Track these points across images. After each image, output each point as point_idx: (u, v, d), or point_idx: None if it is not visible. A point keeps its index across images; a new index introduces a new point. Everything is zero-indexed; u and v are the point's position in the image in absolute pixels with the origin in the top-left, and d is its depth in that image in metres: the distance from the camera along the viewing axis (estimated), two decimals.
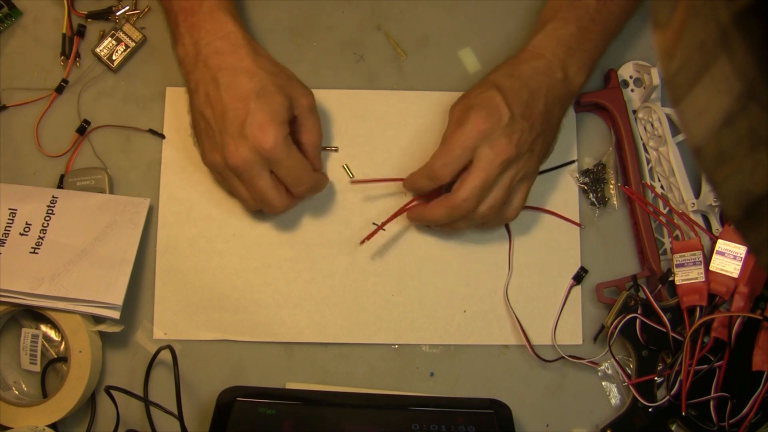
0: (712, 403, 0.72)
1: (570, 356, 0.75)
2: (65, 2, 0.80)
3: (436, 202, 0.71)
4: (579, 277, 0.78)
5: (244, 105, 0.66)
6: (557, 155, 0.80)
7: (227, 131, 0.67)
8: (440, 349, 0.77)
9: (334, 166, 0.79)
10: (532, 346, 0.76)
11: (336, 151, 0.79)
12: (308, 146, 0.73)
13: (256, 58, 0.69)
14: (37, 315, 0.74)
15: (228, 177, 0.71)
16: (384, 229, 0.77)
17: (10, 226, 0.74)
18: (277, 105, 0.67)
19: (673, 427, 0.74)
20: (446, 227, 0.74)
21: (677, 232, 0.76)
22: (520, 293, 0.78)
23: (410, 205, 0.76)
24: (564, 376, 0.77)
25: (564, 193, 0.79)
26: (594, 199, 0.79)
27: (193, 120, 0.73)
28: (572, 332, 0.77)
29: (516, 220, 0.78)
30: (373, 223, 0.78)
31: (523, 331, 0.76)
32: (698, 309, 0.73)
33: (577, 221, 0.79)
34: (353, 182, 0.78)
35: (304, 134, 0.72)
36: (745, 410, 0.71)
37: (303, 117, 0.71)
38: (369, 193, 0.79)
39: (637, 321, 0.73)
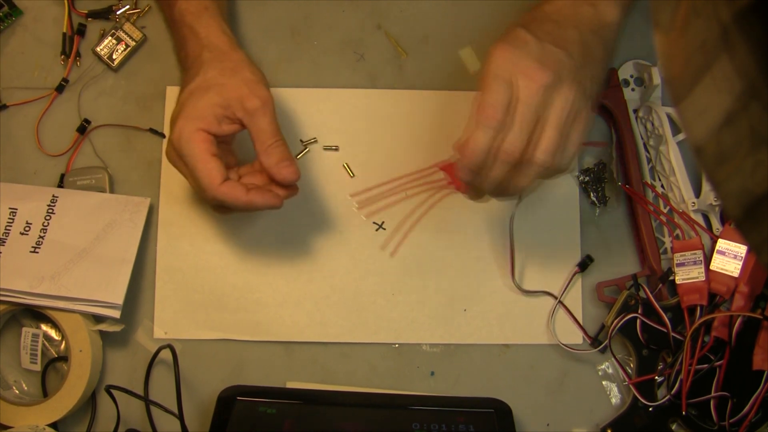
0: (712, 403, 0.72)
1: (567, 346, 0.75)
2: (65, 1, 0.80)
3: (516, 169, 0.61)
4: (584, 265, 0.77)
5: (181, 101, 0.68)
6: None
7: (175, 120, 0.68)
8: (440, 349, 0.77)
9: (334, 165, 0.79)
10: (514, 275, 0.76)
11: (336, 150, 0.79)
12: (260, 154, 0.67)
13: (211, 62, 0.69)
14: (37, 314, 0.74)
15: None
16: (384, 228, 0.77)
17: (11, 226, 0.74)
18: (203, 102, 0.67)
19: (674, 427, 0.74)
20: (512, 191, 0.64)
21: (678, 231, 0.76)
22: (520, 292, 0.77)
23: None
24: (564, 376, 0.77)
25: (564, 192, 0.79)
26: (595, 198, 0.79)
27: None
28: (572, 331, 0.77)
29: (517, 219, 0.78)
30: (374, 223, 0.78)
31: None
32: (699, 308, 0.73)
33: (577, 221, 0.79)
34: (352, 195, 0.78)
35: (254, 140, 0.68)
36: (746, 409, 0.71)
37: (247, 121, 0.67)
38: (369, 193, 0.79)
39: (638, 321, 0.73)
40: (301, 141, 0.79)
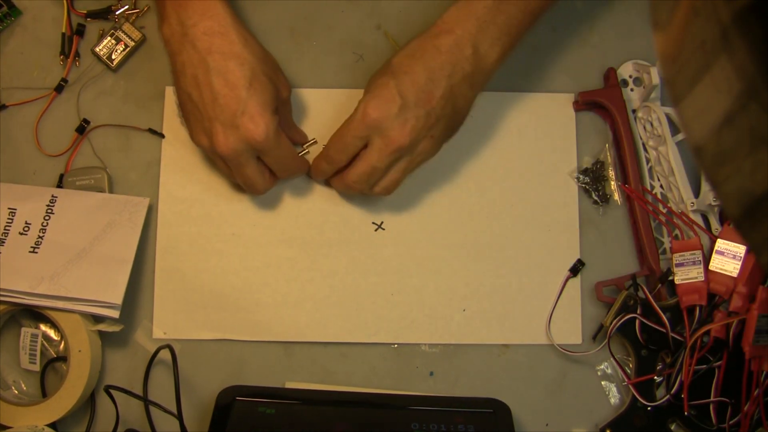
0: (711, 404, 0.72)
1: (565, 349, 0.75)
2: (65, 1, 0.80)
3: (336, 177, 0.74)
4: (575, 270, 0.78)
5: (235, 93, 0.65)
6: (556, 155, 0.80)
7: (217, 119, 0.66)
8: (440, 349, 0.77)
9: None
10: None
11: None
12: (284, 126, 0.73)
13: (246, 42, 0.67)
14: (36, 314, 0.74)
15: (214, 158, 0.71)
16: (383, 228, 0.77)
17: (10, 226, 0.74)
18: (268, 94, 0.67)
19: (673, 427, 0.74)
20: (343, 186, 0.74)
21: (677, 231, 0.76)
22: (520, 292, 0.78)
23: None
24: (563, 376, 0.77)
25: (563, 192, 0.79)
26: (596, 198, 0.79)
27: (179, 100, 0.71)
28: (571, 331, 0.77)
29: (516, 219, 0.78)
30: (373, 223, 0.78)
31: None
32: (698, 308, 0.73)
33: (576, 221, 0.79)
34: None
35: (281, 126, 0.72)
36: (744, 410, 0.71)
37: (281, 107, 0.72)
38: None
39: (637, 321, 0.73)
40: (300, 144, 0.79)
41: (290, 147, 0.71)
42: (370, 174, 0.69)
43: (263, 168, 0.71)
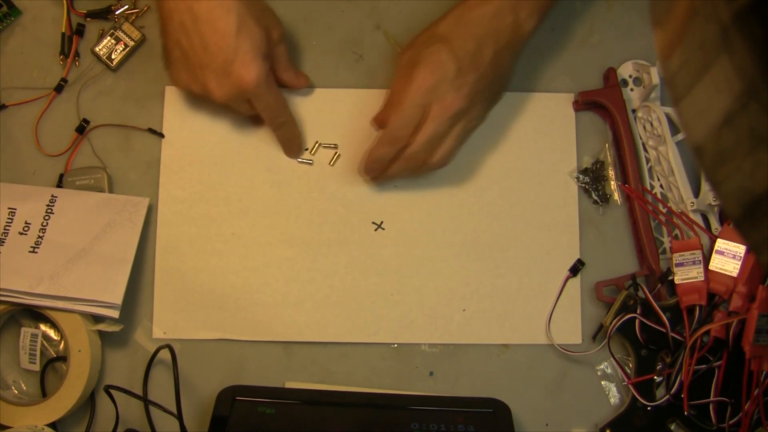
0: (711, 404, 0.72)
1: (565, 349, 0.75)
2: (64, 1, 0.80)
3: (396, 161, 0.73)
4: (575, 269, 0.78)
5: (225, 41, 0.66)
6: (556, 155, 0.80)
7: (209, 66, 0.67)
8: (440, 349, 0.77)
9: (334, 166, 0.79)
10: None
11: (335, 148, 0.79)
12: (281, 77, 0.75)
13: None
14: (36, 314, 0.74)
15: (204, 100, 0.72)
16: (383, 228, 0.77)
17: (10, 226, 0.74)
18: (258, 39, 0.68)
19: (672, 427, 0.74)
20: (388, 176, 0.75)
21: (676, 231, 0.76)
22: (520, 292, 0.78)
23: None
24: (563, 376, 0.77)
25: (563, 192, 0.79)
26: (596, 198, 0.79)
27: (165, 46, 0.72)
28: (571, 331, 0.77)
29: (516, 219, 0.78)
30: (373, 223, 0.78)
31: None
32: (698, 308, 0.73)
33: (576, 221, 0.79)
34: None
35: (276, 68, 0.74)
36: (744, 410, 0.71)
37: (274, 49, 0.72)
38: (369, 192, 0.79)
39: (636, 321, 0.73)
40: (299, 160, 0.79)
41: (279, 94, 0.73)
42: (432, 141, 0.70)
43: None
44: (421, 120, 0.69)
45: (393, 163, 0.73)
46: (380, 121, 0.74)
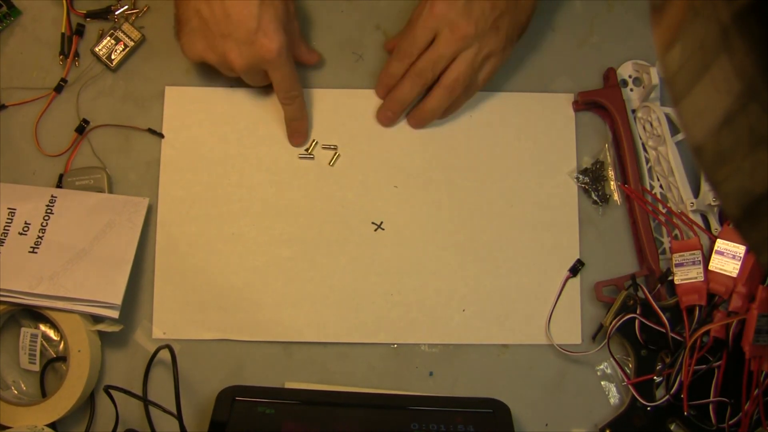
0: (711, 404, 0.72)
1: (565, 349, 0.75)
2: (64, 2, 0.80)
3: (400, 83, 0.76)
4: (575, 270, 0.78)
5: (248, 9, 0.67)
6: (556, 155, 0.80)
7: (231, 35, 0.68)
8: (439, 349, 0.77)
9: (333, 166, 0.79)
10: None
11: (335, 149, 0.79)
12: (295, 52, 0.75)
13: None
14: (36, 314, 0.74)
15: (219, 69, 0.73)
16: (383, 228, 0.77)
17: (9, 226, 0.74)
18: (280, 10, 0.69)
19: (672, 427, 0.74)
20: (423, 112, 0.77)
21: (676, 231, 0.76)
22: (519, 293, 0.78)
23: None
24: (563, 376, 0.77)
25: (563, 192, 0.79)
26: (596, 198, 0.79)
27: (182, 15, 0.72)
28: (571, 331, 0.77)
29: (516, 219, 0.78)
30: (373, 223, 0.78)
31: None
32: (697, 308, 0.73)
33: (576, 222, 0.79)
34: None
35: (291, 42, 0.74)
36: (744, 410, 0.71)
37: (290, 23, 0.73)
38: (369, 192, 0.79)
39: (636, 321, 0.73)
40: (300, 156, 0.79)
41: (295, 69, 0.73)
42: (436, 61, 0.72)
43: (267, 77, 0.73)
44: (432, 44, 0.72)
45: (403, 83, 0.75)
46: (393, 46, 0.78)
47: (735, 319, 0.72)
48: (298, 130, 0.78)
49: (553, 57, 0.82)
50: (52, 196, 0.76)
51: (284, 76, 0.72)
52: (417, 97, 0.77)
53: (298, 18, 0.75)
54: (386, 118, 0.79)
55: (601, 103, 0.79)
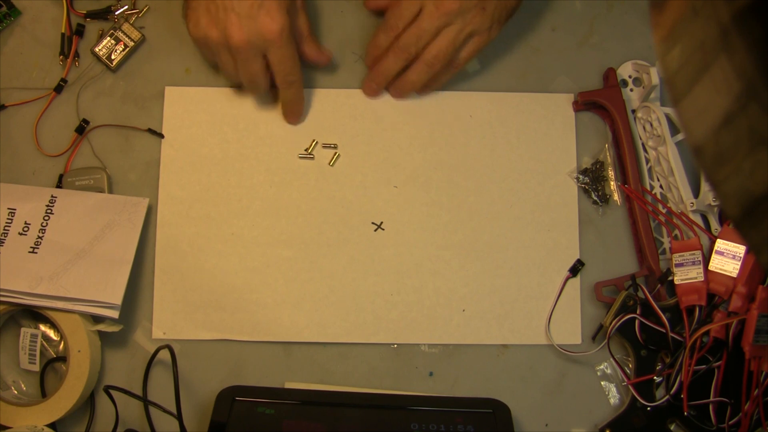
0: (711, 404, 0.72)
1: (565, 349, 0.75)
2: (64, 2, 0.80)
3: (386, 55, 0.76)
4: (575, 270, 0.78)
5: None
6: (556, 155, 0.80)
7: (233, 9, 0.68)
8: (439, 349, 0.77)
9: (333, 166, 0.79)
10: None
11: (335, 148, 0.79)
12: (303, 50, 0.76)
13: None
14: (36, 314, 0.74)
15: (219, 52, 0.72)
16: (383, 228, 0.77)
17: (9, 226, 0.74)
18: None
19: (672, 427, 0.74)
20: (403, 84, 0.78)
21: (676, 231, 0.76)
22: (519, 293, 0.78)
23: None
24: (563, 376, 0.77)
25: (563, 193, 0.79)
26: (596, 198, 0.79)
27: None
28: (571, 331, 0.77)
29: (516, 220, 0.78)
30: (373, 223, 0.78)
31: None
32: (697, 309, 0.73)
33: (576, 222, 0.79)
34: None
35: (299, 40, 0.75)
36: (744, 410, 0.71)
37: (296, 17, 0.73)
38: (369, 193, 0.79)
39: (636, 321, 0.73)
40: (300, 156, 0.79)
41: (296, 53, 0.73)
42: (420, 35, 0.73)
43: (267, 68, 0.73)
44: (416, 17, 0.73)
45: (388, 56, 0.76)
46: (375, 6, 0.81)
47: (735, 319, 0.72)
48: (293, 111, 0.79)
49: (553, 57, 0.82)
50: (52, 196, 0.76)
51: (283, 58, 0.72)
52: (400, 69, 0.77)
53: (307, 13, 0.75)
54: (370, 89, 0.80)
55: (601, 103, 0.79)
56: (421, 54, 0.75)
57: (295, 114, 0.79)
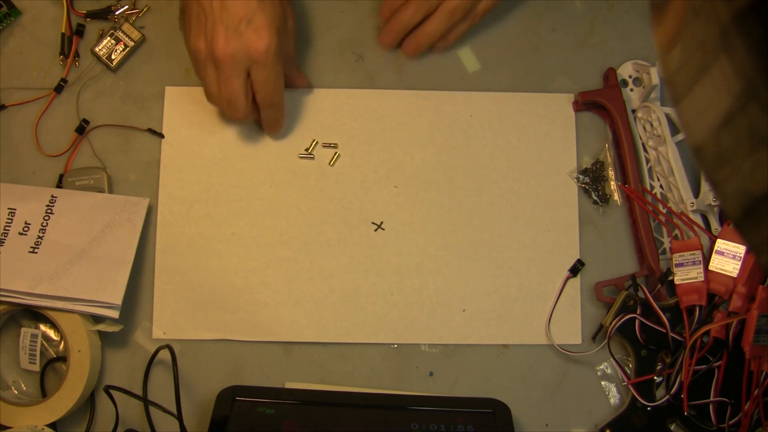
0: (711, 404, 0.72)
1: (565, 349, 0.75)
2: (64, 2, 0.80)
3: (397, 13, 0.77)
4: (575, 270, 0.78)
5: (246, 3, 0.67)
6: (556, 155, 0.80)
7: (222, 22, 0.68)
8: (439, 349, 0.77)
9: (333, 166, 0.79)
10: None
11: (335, 148, 0.79)
12: (285, 71, 0.74)
13: None
14: (36, 314, 0.74)
15: (205, 66, 0.71)
16: (383, 228, 0.77)
17: (9, 226, 0.74)
18: (277, 14, 0.69)
19: (672, 427, 0.74)
20: (420, 35, 0.78)
21: (676, 231, 0.76)
22: (519, 293, 0.78)
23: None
24: (563, 376, 0.77)
25: (563, 193, 0.79)
26: (596, 198, 0.79)
27: (185, 3, 0.72)
28: (571, 331, 0.77)
29: (516, 219, 0.78)
30: (373, 223, 0.78)
31: None
32: (697, 309, 0.73)
33: (576, 222, 0.79)
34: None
35: (283, 60, 0.73)
36: (744, 410, 0.71)
37: (286, 39, 0.72)
38: (369, 193, 0.79)
39: (636, 321, 0.73)
40: (300, 155, 0.79)
41: (281, 74, 0.72)
42: None
43: (249, 89, 0.71)
44: None
45: (408, 6, 0.76)
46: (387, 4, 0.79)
47: (735, 319, 0.72)
48: (271, 128, 0.78)
49: (553, 57, 0.82)
50: (52, 196, 0.76)
51: (267, 78, 0.71)
52: (419, 21, 0.77)
53: (294, 37, 0.75)
54: (388, 39, 0.79)
55: (601, 103, 0.79)
56: (441, 4, 0.75)
57: (274, 130, 0.78)
